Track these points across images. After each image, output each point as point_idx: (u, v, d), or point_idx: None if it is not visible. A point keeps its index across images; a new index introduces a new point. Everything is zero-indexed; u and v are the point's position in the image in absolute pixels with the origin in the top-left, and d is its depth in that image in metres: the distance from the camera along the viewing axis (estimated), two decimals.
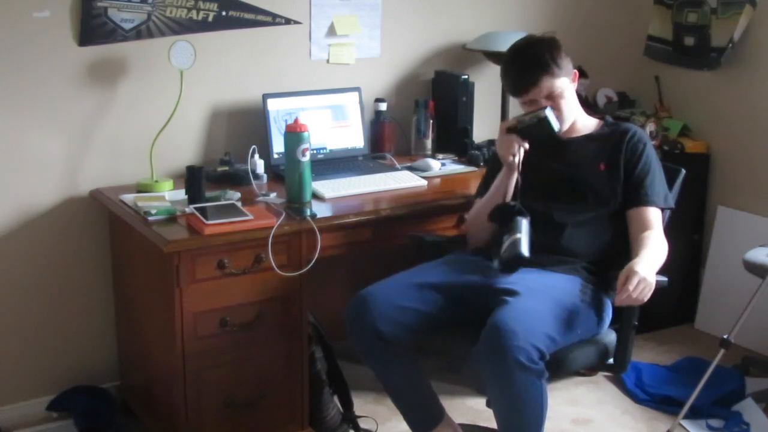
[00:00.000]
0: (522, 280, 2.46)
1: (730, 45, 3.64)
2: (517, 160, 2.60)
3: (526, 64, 2.58)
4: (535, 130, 2.55)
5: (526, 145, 2.59)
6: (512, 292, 2.39)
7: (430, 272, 2.61)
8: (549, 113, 2.53)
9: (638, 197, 2.58)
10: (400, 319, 2.49)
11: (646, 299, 2.34)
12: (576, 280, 2.52)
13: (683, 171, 2.79)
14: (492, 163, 2.83)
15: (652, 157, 2.63)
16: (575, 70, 2.66)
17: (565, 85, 2.60)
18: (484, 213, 2.65)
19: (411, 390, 2.66)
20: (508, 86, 2.67)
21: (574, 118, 2.67)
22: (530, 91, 2.56)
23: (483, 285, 2.50)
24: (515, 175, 2.61)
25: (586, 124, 2.71)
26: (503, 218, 2.52)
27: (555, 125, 2.55)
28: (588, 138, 2.68)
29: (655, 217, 2.58)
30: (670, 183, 2.73)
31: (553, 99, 2.57)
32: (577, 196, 2.61)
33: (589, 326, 2.50)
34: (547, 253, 2.56)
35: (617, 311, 2.54)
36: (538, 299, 2.38)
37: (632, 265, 2.35)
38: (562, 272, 2.54)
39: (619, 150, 2.62)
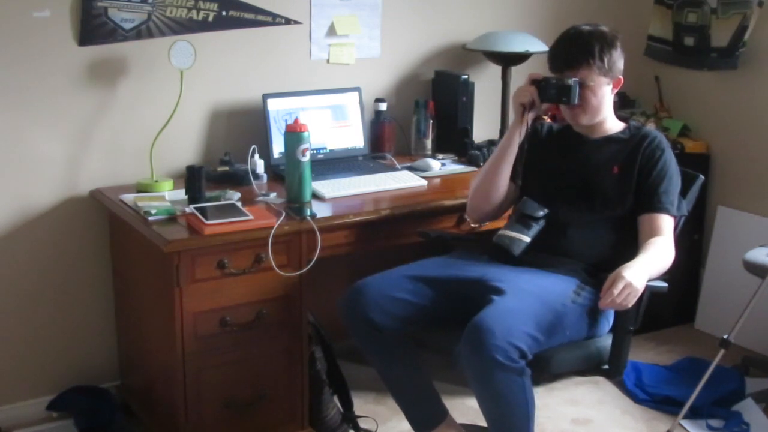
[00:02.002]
0: (514, 279, 2.47)
1: (742, 46, 3.63)
2: (525, 115, 2.60)
3: (574, 47, 2.57)
4: (554, 92, 2.54)
5: (534, 108, 2.59)
6: (499, 291, 2.40)
7: (426, 266, 2.64)
8: (575, 85, 2.52)
9: (650, 203, 2.55)
10: (391, 310, 2.52)
11: (630, 305, 2.34)
12: (571, 281, 2.51)
13: (701, 177, 2.75)
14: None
15: (669, 164, 2.59)
16: (621, 77, 2.62)
17: (602, 84, 2.56)
18: (491, 169, 2.67)
19: (412, 386, 2.66)
20: (550, 58, 2.63)
21: (601, 120, 2.64)
22: (565, 72, 2.55)
23: (476, 282, 2.51)
24: (522, 129, 2.61)
25: (611, 126, 2.67)
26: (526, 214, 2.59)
27: (574, 98, 2.53)
28: (607, 140, 2.65)
29: (665, 224, 2.54)
30: (687, 189, 2.69)
31: (583, 89, 2.55)
32: (584, 196, 2.60)
33: (579, 328, 2.48)
34: (548, 252, 2.57)
35: (617, 315, 2.53)
36: (523, 299, 2.38)
37: (621, 269, 2.34)
38: (558, 273, 2.54)
39: (636, 155, 2.59)
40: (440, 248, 2.83)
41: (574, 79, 2.52)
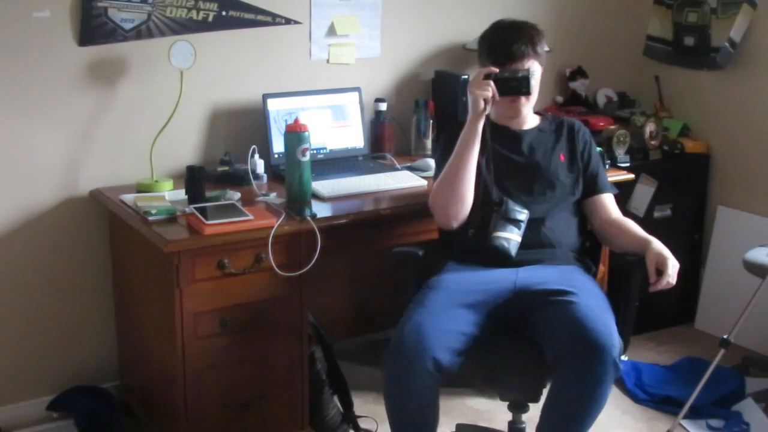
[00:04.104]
0: (552, 277, 2.48)
1: (731, 47, 3.64)
2: (487, 108, 2.57)
3: (520, 40, 2.62)
4: (515, 85, 2.58)
5: (497, 96, 2.57)
6: (564, 293, 2.39)
7: (455, 291, 2.48)
8: (530, 76, 2.58)
9: (598, 185, 2.73)
10: (452, 345, 2.35)
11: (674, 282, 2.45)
12: (577, 269, 2.60)
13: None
14: (446, 140, 2.73)
15: (595, 148, 2.81)
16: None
17: (539, 72, 2.68)
18: (463, 174, 2.57)
19: (423, 424, 2.46)
20: (494, 52, 2.64)
21: (530, 111, 2.75)
22: (514, 64, 2.60)
23: (516, 293, 2.48)
24: (481, 124, 2.57)
25: (534, 117, 2.78)
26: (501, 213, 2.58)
27: (530, 89, 2.59)
28: (539, 130, 2.75)
29: (614, 202, 2.74)
30: None
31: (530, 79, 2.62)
32: (547, 187, 2.66)
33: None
34: (530, 248, 2.57)
35: (628, 293, 2.61)
36: (590, 295, 2.43)
37: (660, 251, 2.45)
38: (562, 263, 2.59)
39: (574, 142, 2.74)
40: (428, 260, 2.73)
41: (528, 69, 2.60)
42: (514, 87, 2.58)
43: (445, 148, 2.71)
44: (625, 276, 2.58)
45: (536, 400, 2.49)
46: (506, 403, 2.62)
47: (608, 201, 2.73)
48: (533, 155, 2.69)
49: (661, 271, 2.43)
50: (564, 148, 2.72)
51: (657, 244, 2.49)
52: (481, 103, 2.56)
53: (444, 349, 2.32)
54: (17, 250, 2.93)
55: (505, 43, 2.63)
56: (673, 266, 2.42)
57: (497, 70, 2.58)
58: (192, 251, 2.54)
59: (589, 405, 2.33)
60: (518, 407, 2.62)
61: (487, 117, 2.59)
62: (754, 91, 3.70)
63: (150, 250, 2.61)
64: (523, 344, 2.44)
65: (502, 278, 2.52)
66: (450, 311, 2.41)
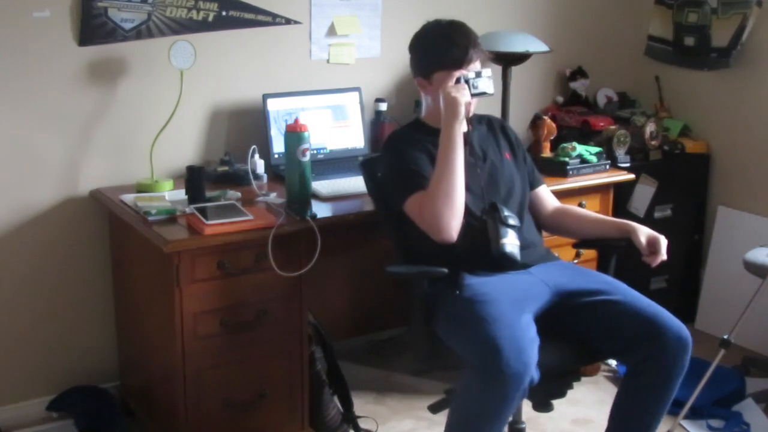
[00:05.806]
0: (567, 274, 2.53)
1: (739, 46, 3.64)
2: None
3: (471, 41, 2.59)
4: (483, 86, 2.56)
5: (472, 100, 2.56)
6: (599, 292, 2.44)
7: (514, 300, 2.37)
8: (491, 76, 2.57)
9: (536, 178, 2.78)
10: (535, 356, 2.23)
11: None
12: (565, 262, 2.65)
13: None
14: (409, 155, 2.57)
15: None
16: None
17: None
18: (459, 181, 2.45)
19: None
20: (454, 57, 2.57)
21: None
22: (471, 63, 2.58)
23: (552, 293, 2.47)
24: (463, 128, 2.51)
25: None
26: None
27: (492, 88, 2.57)
28: (476, 131, 2.69)
29: (549, 191, 2.81)
30: None
31: None
32: (511, 188, 2.63)
33: None
34: (523, 249, 2.55)
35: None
36: (624, 288, 2.48)
37: (648, 231, 2.54)
38: (549, 260, 2.61)
39: (509, 138, 2.74)
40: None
41: (489, 69, 2.59)
42: (481, 88, 2.58)
43: (407, 158, 2.56)
44: (608, 260, 2.68)
45: (563, 395, 2.51)
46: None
47: (547, 192, 2.79)
48: (487, 157, 2.64)
49: (653, 250, 2.52)
50: (506, 147, 2.71)
51: (641, 227, 2.55)
52: (463, 108, 2.50)
53: (533, 365, 2.20)
54: (17, 250, 2.93)
55: (462, 46, 2.58)
56: (664, 243, 2.52)
57: (466, 72, 2.56)
58: (192, 251, 2.54)
59: (672, 392, 2.42)
60: (544, 406, 2.55)
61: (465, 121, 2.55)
62: (754, 91, 3.70)
63: (150, 250, 2.61)
64: (556, 344, 2.41)
65: (529, 282, 2.49)
66: (522, 320, 2.29)
